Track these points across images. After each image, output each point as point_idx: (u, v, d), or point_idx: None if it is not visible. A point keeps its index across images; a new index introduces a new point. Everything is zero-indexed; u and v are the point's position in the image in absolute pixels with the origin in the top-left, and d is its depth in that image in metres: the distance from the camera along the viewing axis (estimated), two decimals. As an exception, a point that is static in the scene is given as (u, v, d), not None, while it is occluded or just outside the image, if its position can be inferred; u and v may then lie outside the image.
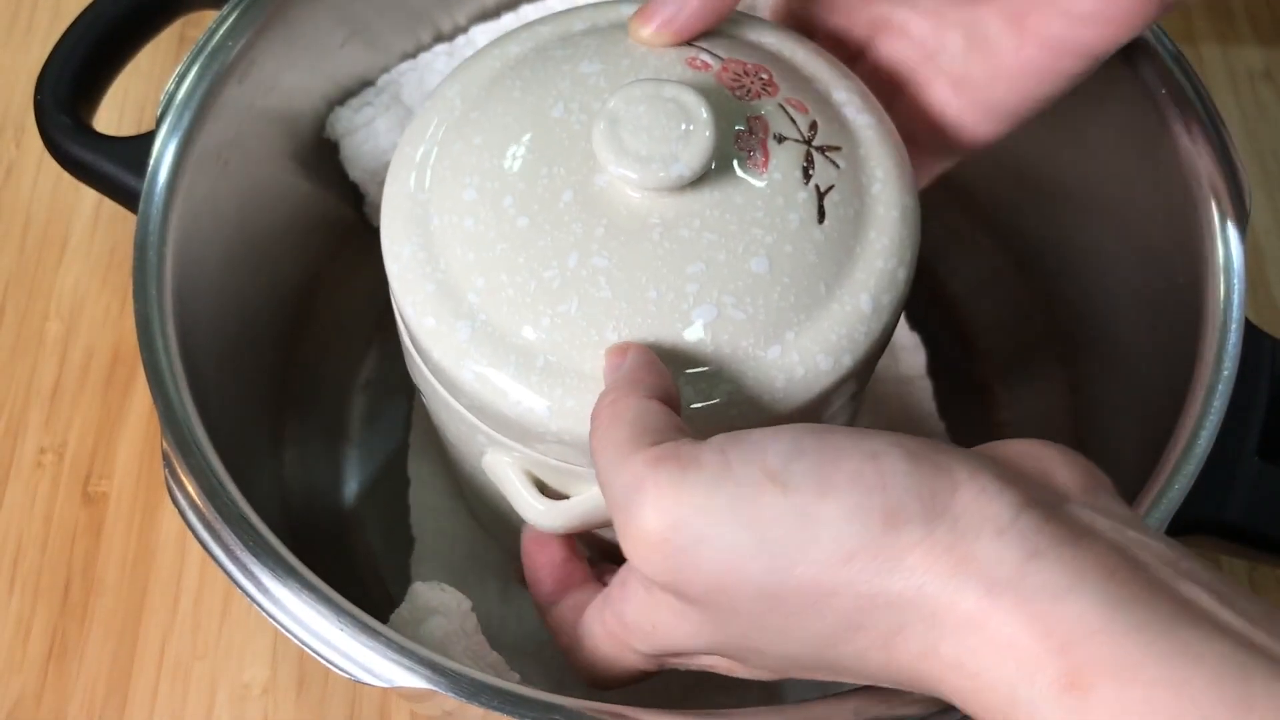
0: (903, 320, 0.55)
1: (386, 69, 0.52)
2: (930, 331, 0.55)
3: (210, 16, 0.45)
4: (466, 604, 0.41)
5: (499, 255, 0.36)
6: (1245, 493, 0.38)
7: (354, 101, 0.51)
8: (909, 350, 0.54)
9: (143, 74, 0.61)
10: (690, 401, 0.35)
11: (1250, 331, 0.40)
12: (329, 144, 0.51)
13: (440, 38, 0.52)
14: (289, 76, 0.48)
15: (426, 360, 0.38)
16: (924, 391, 0.54)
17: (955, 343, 0.56)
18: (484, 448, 0.39)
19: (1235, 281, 0.40)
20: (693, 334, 0.35)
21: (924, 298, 0.57)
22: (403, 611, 0.40)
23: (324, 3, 0.48)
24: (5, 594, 0.49)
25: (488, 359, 0.36)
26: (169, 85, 0.43)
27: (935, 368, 0.54)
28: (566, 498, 0.39)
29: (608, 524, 0.39)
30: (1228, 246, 0.41)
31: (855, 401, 0.42)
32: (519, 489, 0.39)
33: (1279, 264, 0.57)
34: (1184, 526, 0.37)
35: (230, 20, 0.44)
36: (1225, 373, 0.39)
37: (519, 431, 0.37)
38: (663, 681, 0.48)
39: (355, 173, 0.51)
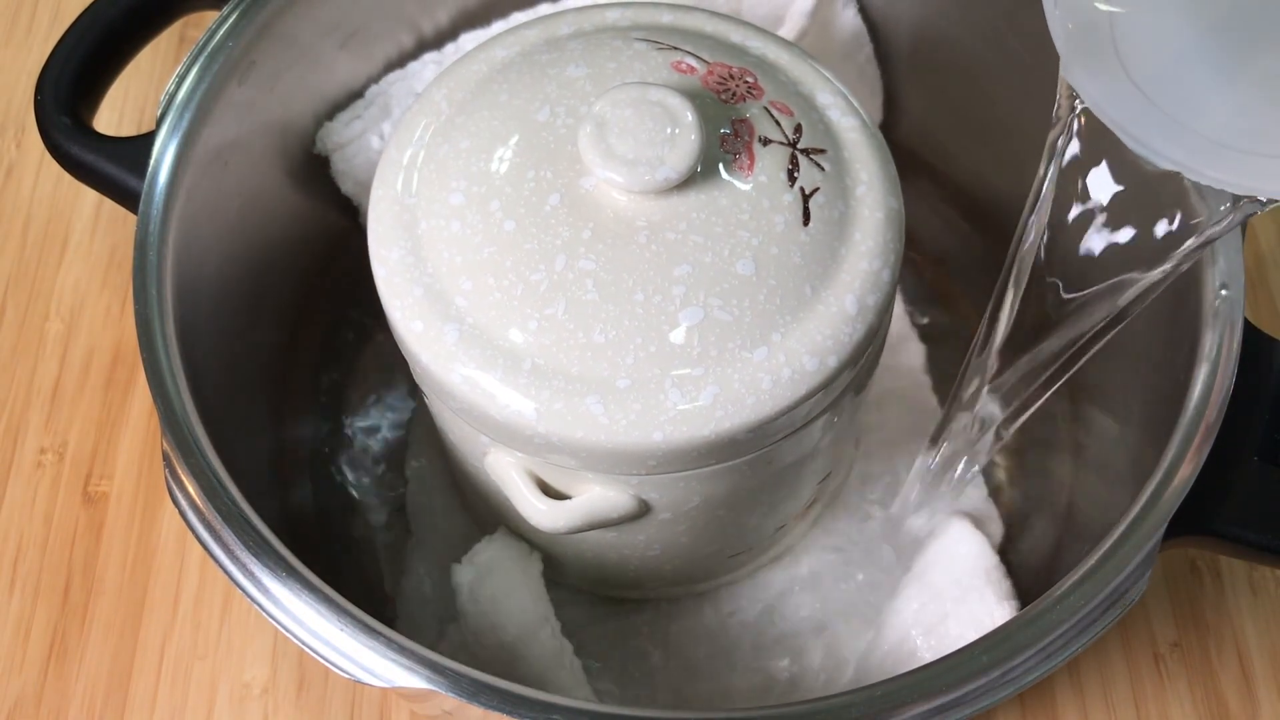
0: (906, 320, 0.55)
1: (374, 79, 0.51)
2: (931, 331, 0.55)
3: (210, 17, 0.45)
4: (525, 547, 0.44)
5: (486, 258, 0.36)
6: (1245, 494, 0.38)
7: (343, 115, 0.50)
8: (909, 348, 0.54)
9: (143, 74, 0.61)
10: (677, 404, 0.35)
11: (1250, 332, 0.40)
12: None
13: (424, 43, 0.52)
14: (289, 78, 0.47)
15: (415, 364, 0.38)
16: (924, 390, 0.54)
17: (956, 342, 0.56)
18: (487, 448, 0.39)
19: (1235, 281, 0.40)
20: (679, 336, 0.35)
21: (925, 296, 0.57)
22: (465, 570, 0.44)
23: (324, 3, 0.48)
24: (5, 594, 0.49)
25: (475, 362, 0.36)
26: (169, 85, 0.43)
27: (935, 367, 0.54)
28: (569, 498, 0.39)
29: (610, 523, 0.39)
30: (1227, 247, 0.41)
31: (853, 404, 0.42)
32: (521, 489, 0.39)
33: (1279, 266, 0.57)
34: (1183, 527, 0.37)
35: (230, 21, 0.44)
36: (1225, 373, 0.39)
37: (508, 434, 0.37)
38: (662, 681, 0.48)
39: (348, 186, 0.51)
